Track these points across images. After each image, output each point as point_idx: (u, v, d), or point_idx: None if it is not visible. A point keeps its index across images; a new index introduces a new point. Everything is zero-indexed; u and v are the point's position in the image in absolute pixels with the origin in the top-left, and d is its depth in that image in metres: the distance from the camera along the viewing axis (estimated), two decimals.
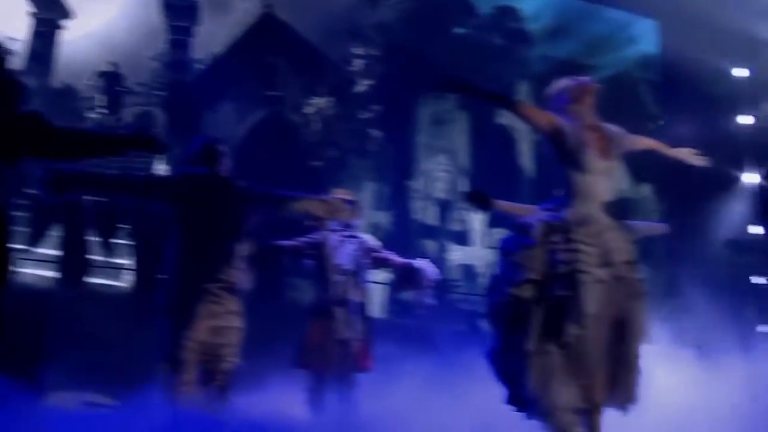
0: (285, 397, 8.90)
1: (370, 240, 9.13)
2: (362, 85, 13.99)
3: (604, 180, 5.82)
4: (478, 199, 7.05)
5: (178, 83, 14.16)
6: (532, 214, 5.96)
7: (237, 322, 7.30)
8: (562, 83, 6.01)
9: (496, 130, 14.52)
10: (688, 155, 6.42)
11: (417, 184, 14.45)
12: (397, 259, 9.07)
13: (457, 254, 14.30)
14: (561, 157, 5.81)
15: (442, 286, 13.51)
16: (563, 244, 5.55)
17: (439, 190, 14.56)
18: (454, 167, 14.77)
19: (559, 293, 5.46)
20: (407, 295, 9.45)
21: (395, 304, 13.32)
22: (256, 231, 7.47)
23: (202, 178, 7.27)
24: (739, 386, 9.12)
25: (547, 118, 5.84)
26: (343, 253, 8.69)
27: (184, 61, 14.32)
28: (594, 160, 5.76)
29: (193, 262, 7.13)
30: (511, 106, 5.95)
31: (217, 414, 7.10)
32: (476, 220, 14.45)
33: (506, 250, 5.77)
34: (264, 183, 7.49)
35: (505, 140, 14.79)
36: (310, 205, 7.55)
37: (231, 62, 14.06)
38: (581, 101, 5.92)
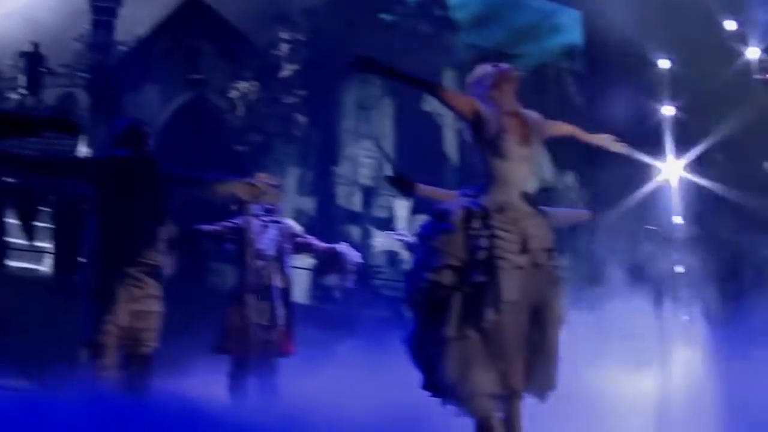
0: (206, 382, 8.86)
1: (293, 225, 9.11)
2: (288, 70, 13.94)
3: (523, 166, 5.84)
4: (400, 183, 7.04)
5: (102, 65, 14.01)
6: (453, 199, 5.97)
7: (157, 307, 7.23)
8: (483, 70, 6.02)
9: (421, 117, 14.55)
10: (608, 141, 6.45)
11: (342, 169, 14.45)
12: (319, 243, 9.06)
13: (381, 240, 14.31)
14: (481, 143, 5.82)
15: (366, 272, 13.54)
16: (482, 230, 5.57)
17: (364, 175, 14.54)
18: (379, 153, 14.77)
19: (477, 279, 5.48)
20: (330, 279, 9.45)
21: (319, 290, 13.32)
22: (179, 214, 7.42)
23: (125, 160, 7.18)
24: (660, 374, 9.25)
25: (468, 103, 5.85)
26: (266, 238, 8.66)
27: (108, 42, 14.17)
28: (514, 146, 5.77)
29: (115, 244, 7.05)
30: (433, 90, 5.94)
31: (136, 399, 7.05)
32: (401, 207, 14.47)
33: (425, 235, 5.78)
34: (187, 166, 7.44)
35: (431, 127, 14.83)
36: (233, 187, 7.51)
37: (155, 45, 13.93)
38: (502, 88, 5.92)
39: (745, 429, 7.52)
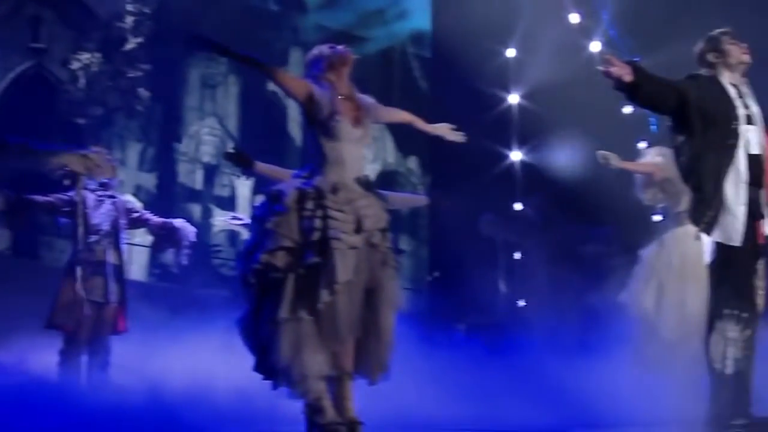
0: (36, 358, 8.72)
1: (129, 200, 9.02)
2: (132, 43, 13.67)
3: (356, 148, 5.87)
4: (238, 158, 7.07)
5: None
6: (287, 181, 5.97)
7: None
8: (319, 51, 6.04)
9: (266, 97, 14.46)
10: (446, 131, 6.49)
11: (184, 146, 14.25)
12: (155, 218, 8.97)
13: (221, 219, 14.19)
14: (313, 125, 5.84)
15: (206, 251, 13.43)
16: (316, 210, 5.57)
17: (207, 153, 14.39)
18: (222, 131, 14.63)
19: (311, 260, 5.48)
20: (166, 254, 9.37)
21: (157, 268, 13.15)
22: (9, 184, 7.25)
23: None
24: (497, 360, 9.39)
25: (301, 85, 5.88)
26: (100, 213, 8.52)
27: None
28: (346, 128, 5.80)
29: None
30: (267, 71, 5.96)
31: None
32: (243, 186, 14.37)
33: (258, 216, 5.77)
34: (25, 136, 7.27)
35: (276, 107, 14.74)
36: (67, 159, 7.38)
37: None
38: (337, 70, 5.95)
39: (569, 413, 7.69)
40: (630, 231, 10.61)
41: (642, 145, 11.58)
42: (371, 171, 14.97)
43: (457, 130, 6.47)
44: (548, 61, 14.28)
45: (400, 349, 5.83)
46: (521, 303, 15.06)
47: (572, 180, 13.22)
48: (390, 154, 15.92)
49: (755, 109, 6.16)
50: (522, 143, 15.52)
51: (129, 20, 13.76)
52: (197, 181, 14.28)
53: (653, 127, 13.25)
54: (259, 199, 13.33)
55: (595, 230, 14.23)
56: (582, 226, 14.40)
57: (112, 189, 8.68)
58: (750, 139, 6.05)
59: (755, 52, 6.37)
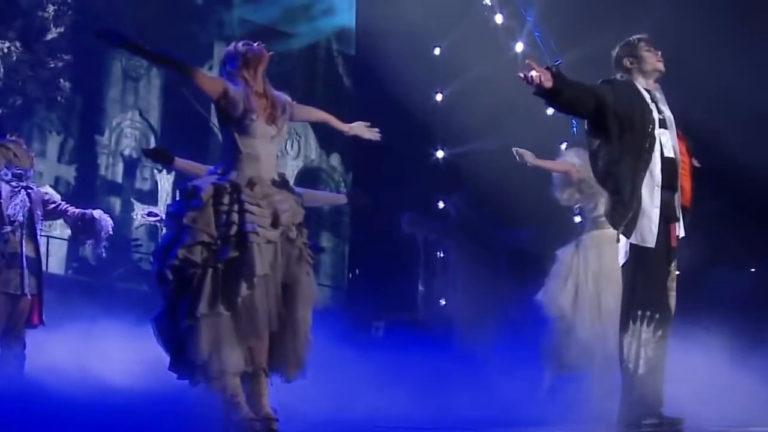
0: None
1: (46, 191, 8.90)
2: (53, 33, 13.52)
3: (270, 146, 5.89)
4: (157, 155, 7.04)
5: None
6: (202, 177, 5.95)
7: None
8: (234, 48, 6.04)
9: (189, 90, 14.37)
10: (362, 129, 6.51)
11: (105, 139, 14.13)
12: (73, 208, 8.86)
13: (140, 215, 14.11)
14: (228, 122, 5.84)
15: (125, 245, 13.33)
16: (232, 205, 5.57)
17: (128, 147, 14.28)
18: (144, 124, 14.53)
19: (229, 255, 5.47)
20: (85, 246, 9.27)
21: (75, 261, 13.05)
22: None
23: None
24: (416, 358, 9.42)
25: (216, 84, 5.89)
26: (15, 204, 8.39)
27: None
28: (261, 126, 5.82)
29: None
30: (183, 70, 5.93)
31: None
32: (164, 180, 14.28)
33: (174, 212, 5.74)
34: None
35: (198, 101, 14.66)
36: None
37: None
38: (252, 67, 5.95)
39: (487, 411, 7.75)
40: (552, 231, 10.70)
41: (564, 146, 11.68)
42: (294, 168, 14.98)
43: (374, 127, 6.50)
44: (473, 60, 14.33)
45: (318, 346, 5.82)
46: (442, 301, 15.11)
47: (496, 179, 13.28)
48: (313, 151, 15.91)
49: (668, 113, 6.26)
50: (446, 142, 15.57)
51: (50, 9, 13.61)
52: (118, 174, 14.18)
53: (574, 129, 13.37)
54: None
55: (517, 229, 14.32)
56: (504, 225, 14.48)
57: (28, 180, 8.54)
58: (664, 142, 6.14)
59: (673, 51, 6.48)
